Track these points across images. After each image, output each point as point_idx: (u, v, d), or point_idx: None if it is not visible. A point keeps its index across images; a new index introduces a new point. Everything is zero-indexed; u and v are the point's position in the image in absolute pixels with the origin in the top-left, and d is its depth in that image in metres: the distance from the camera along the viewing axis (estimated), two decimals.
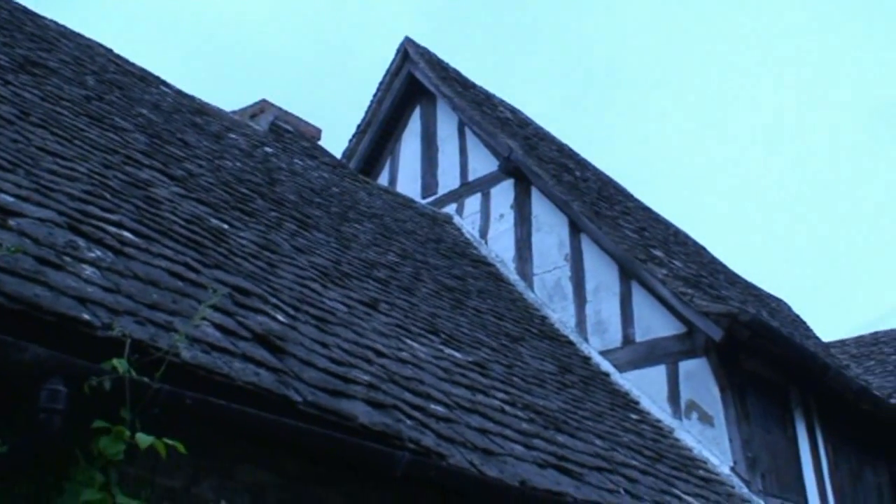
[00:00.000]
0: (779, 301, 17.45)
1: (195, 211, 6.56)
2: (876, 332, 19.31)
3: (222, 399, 3.92)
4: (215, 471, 4.24)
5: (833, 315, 41.25)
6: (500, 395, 6.97)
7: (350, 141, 13.97)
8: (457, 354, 7.37)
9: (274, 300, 5.62)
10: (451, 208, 12.72)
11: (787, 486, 9.85)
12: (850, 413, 11.11)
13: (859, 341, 19.29)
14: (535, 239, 11.53)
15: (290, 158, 10.84)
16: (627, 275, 10.40)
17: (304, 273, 6.82)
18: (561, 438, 6.81)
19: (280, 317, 5.37)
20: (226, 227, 6.71)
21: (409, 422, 5.02)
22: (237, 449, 4.36)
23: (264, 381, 4.26)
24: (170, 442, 3.52)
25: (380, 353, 5.99)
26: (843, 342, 19.12)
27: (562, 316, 10.85)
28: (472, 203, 12.46)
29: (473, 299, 9.73)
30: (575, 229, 11.07)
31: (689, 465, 8.64)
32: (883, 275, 42.32)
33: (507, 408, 6.71)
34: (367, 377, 5.27)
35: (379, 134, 13.85)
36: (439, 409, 5.68)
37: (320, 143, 12.77)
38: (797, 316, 17.69)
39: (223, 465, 4.31)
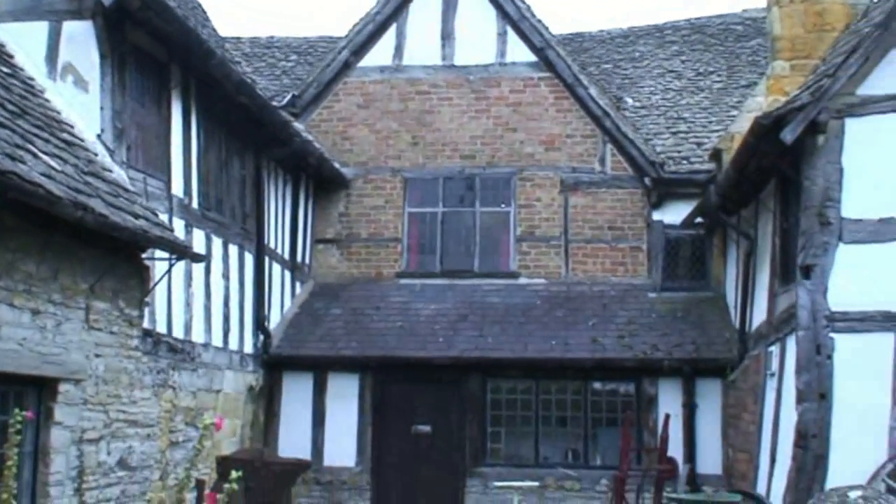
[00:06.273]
0: None
1: None
2: (272, 38, 19.98)
3: None
4: None
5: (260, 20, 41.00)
6: None
7: None
8: None
9: None
10: None
11: (153, 162, 10.07)
12: (228, 104, 11.51)
13: (254, 42, 19.85)
14: None
15: None
16: None
17: None
18: None
19: None
20: None
21: None
22: None
23: None
24: None
25: None
26: (238, 39, 19.53)
27: None
28: None
29: None
30: None
31: (53, 126, 8.40)
32: None
33: None
34: None
35: None
36: None
37: None
38: (199, 4, 17.62)
39: None
